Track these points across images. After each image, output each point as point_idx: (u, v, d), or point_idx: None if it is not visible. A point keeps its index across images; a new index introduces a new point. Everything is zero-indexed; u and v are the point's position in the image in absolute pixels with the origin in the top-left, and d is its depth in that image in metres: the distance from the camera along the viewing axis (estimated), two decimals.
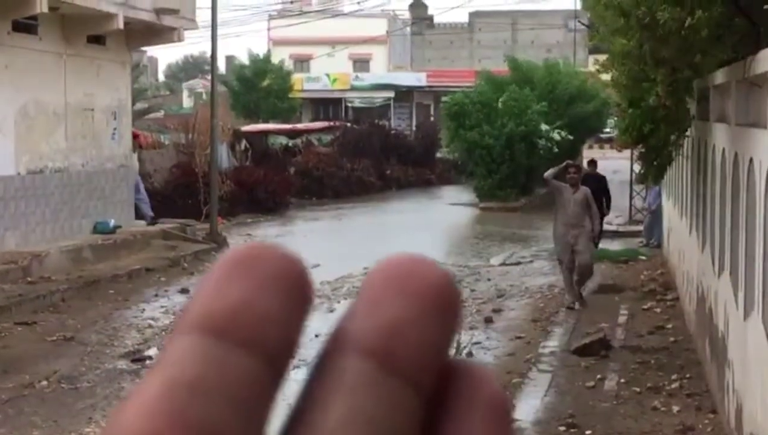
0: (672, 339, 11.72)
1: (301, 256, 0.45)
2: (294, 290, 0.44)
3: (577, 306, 13.94)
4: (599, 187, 17.98)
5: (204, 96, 47.64)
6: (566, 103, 34.84)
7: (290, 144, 37.98)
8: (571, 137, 33.26)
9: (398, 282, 0.45)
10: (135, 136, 22.40)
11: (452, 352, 0.45)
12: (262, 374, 0.42)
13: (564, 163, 14.70)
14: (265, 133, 37.07)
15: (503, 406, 0.46)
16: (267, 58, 56.02)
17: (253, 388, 0.42)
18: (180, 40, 20.43)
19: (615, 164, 31.84)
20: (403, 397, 0.43)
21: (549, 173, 14.30)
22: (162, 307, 14.49)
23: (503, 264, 19.02)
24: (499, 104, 31.06)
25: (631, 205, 24.34)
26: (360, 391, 0.42)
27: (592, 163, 20.53)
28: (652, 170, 11.78)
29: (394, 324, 0.43)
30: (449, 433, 0.45)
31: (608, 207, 18.95)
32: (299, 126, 41.67)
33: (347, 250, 21.05)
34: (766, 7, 6.14)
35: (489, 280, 16.98)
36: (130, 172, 20.51)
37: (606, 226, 18.29)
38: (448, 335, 0.45)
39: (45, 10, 15.60)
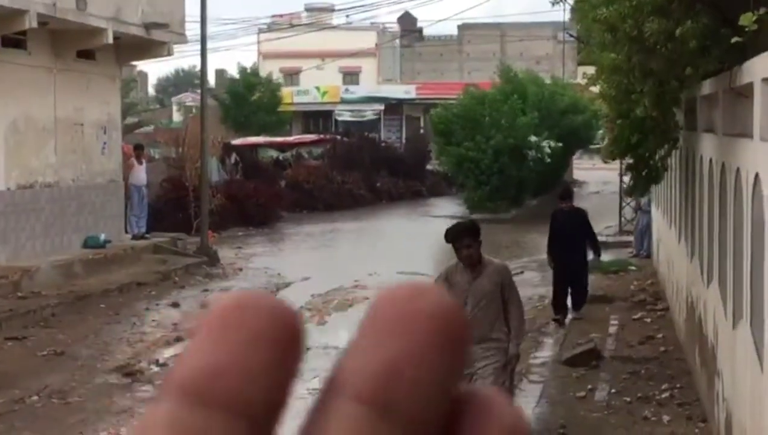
0: (662, 349, 11.76)
1: (293, 306, 0.42)
2: (282, 346, 0.42)
3: None
4: (579, 228, 13.97)
5: (194, 110, 47.64)
6: (559, 114, 34.98)
7: (281, 157, 38.02)
8: (560, 144, 33.40)
9: (398, 316, 0.42)
10: (137, 148, 22.36)
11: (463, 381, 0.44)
12: None
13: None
14: (256, 147, 37.11)
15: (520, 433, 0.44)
16: (256, 71, 56.10)
17: None
18: (170, 54, 20.45)
19: (606, 175, 31.96)
20: None
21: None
22: (153, 321, 14.47)
23: None
24: (485, 118, 31.16)
25: (620, 216, 24.40)
26: None
27: (566, 195, 14.74)
28: (641, 182, 11.82)
29: (389, 365, 0.42)
30: None
31: (596, 253, 14.35)
32: (289, 139, 41.72)
33: (338, 262, 21.08)
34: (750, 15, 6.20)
35: None
36: (120, 186, 20.47)
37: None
38: (452, 369, 0.43)
39: (34, 25, 15.62)
